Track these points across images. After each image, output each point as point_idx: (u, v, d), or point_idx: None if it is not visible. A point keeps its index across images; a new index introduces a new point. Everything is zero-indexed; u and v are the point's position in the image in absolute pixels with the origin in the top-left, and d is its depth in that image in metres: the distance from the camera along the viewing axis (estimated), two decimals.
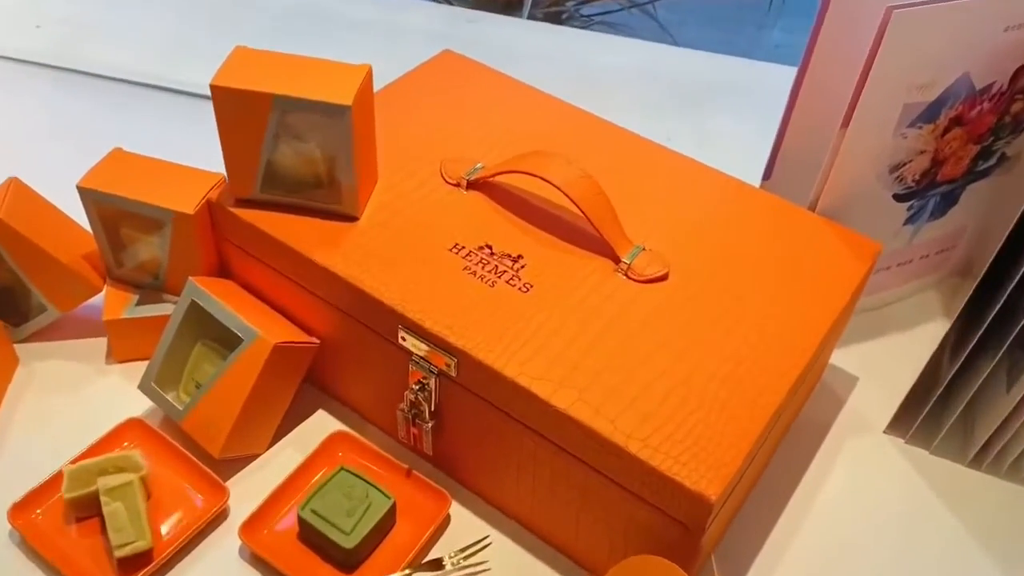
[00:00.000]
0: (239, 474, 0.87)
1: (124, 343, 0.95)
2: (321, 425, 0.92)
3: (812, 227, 0.89)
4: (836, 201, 0.92)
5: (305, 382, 0.95)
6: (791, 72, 0.93)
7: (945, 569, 0.85)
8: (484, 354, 0.74)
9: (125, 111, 1.33)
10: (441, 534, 0.85)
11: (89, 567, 0.78)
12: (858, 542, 0.86)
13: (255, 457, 0.89)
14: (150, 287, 0.96)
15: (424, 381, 0.80)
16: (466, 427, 0.81)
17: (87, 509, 0.81)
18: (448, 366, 0.77)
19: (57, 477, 0.82)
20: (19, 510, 0.81)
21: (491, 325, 0.77)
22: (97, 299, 0.95)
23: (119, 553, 0.77)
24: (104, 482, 0.78)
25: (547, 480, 0.78)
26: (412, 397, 0.81)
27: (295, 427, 0.92)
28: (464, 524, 0.85)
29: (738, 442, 0.70)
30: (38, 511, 0.81)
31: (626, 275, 0.82)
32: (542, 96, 1.03)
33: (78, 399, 0.93)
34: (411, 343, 0.78)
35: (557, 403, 0.71)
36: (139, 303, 0.94)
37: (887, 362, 1.03)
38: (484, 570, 0.82)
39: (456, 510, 0.86)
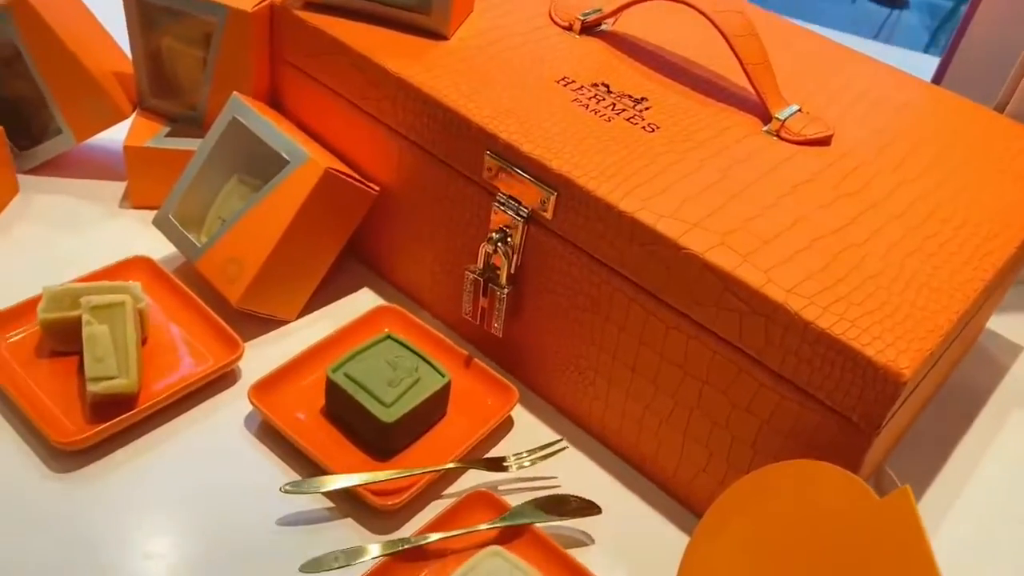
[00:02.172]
0: (259, 338, 0.70)
1: (144, 182, 0.79)
2: (365, 304, 0.74)
3: (1002, 129, 0.71)
4: None
5: (351, 257, 0.78)
6: None
7: None
8: (594, 184, 0.57)
9: None
10: (500, 439, 0.66)
11: (51, 408, 0.61)
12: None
13: (281, 325, 0.72)
14: (185, 121, 0.80)
15: (508, 229, 0.63)
16: (552, 294, 0.63)
17: (66, 341, 0.64)
18: (543, 204, 0.60)
19: (34, 300, 0.66)
20: None
21: (604, 156, 0.60)
22: (119, 137, 0.80)
23: (93, 388, 0.59)
24: (89, 300, 0.61)
25: (653, 368, 0.59)
26: (489, 250, 0.63)
27: (333, 302, 0.75)
28: (529, 431, 0.67)
29: (935, 317, 0.51)
30: (3, 340, 0.65)
31: (777, 135, 0.65)
32: None
33: (79, 238, 0.77)
34: (499, 175, 0.61)
35: (691, 246, 0.54)
36: (169, 135, 0.79)
37: None
38: (552, 485, 0.63)
39: (520, 415, 0.68)
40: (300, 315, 0.73)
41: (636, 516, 0.62)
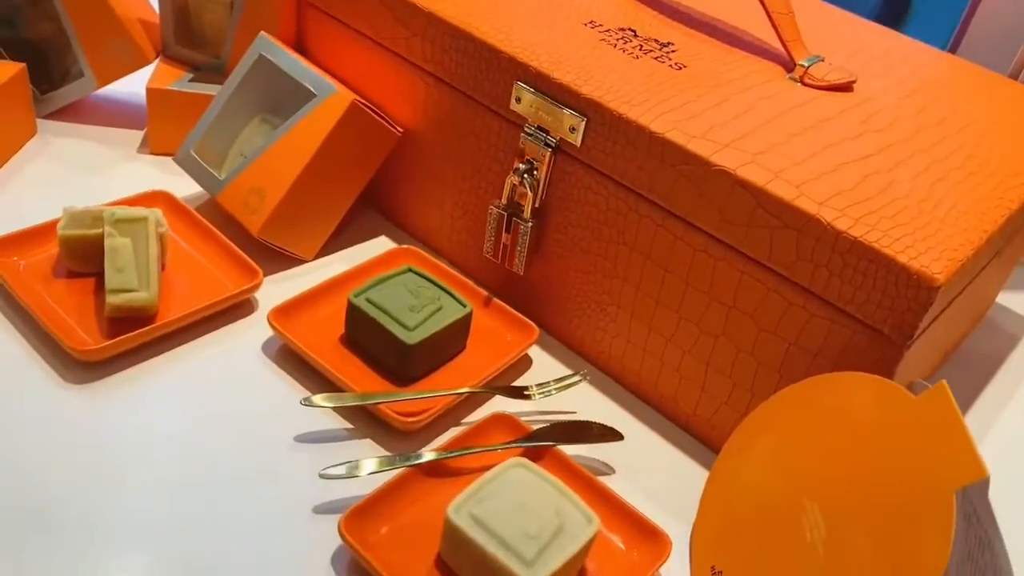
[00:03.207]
0: (277, 275, 0.69)
1: (164, 126, 0.79)
2: (381, 250, 0.74)
3: (1016, 93, 0.73)
4: None
5: (368, 207, 0.78)
6: None
7: None
8: (625, 107, 0.58)
9: None
10: (519, 376, 0.66)
11: (68, 321, 0.60)
12: None
13: (298, 264, 0.71)
14: (208, 69, 0.80)
15: (534, 162, 0.63)
16: (576, 227, 0.63)
17: (85, 261, 0.63)
18: (573, 131, 0.60)
19: (52, 223, 0.65)
20: (0, 248, 0.63)
21: (634, 86, 0.60)
22: (140, 87, 0.80)
23: (113, 300, 0.58)
24: (112, 213, 0.61)
25: (678, 296, 0.59)
26: (515, 182, 0.64)
27: (349, 246, 0.75)
28: (547, 370, 0.66)
29: (966, 233, 0.52)
30: (21, 260, 0.64)
31: (801, 81, 0.66)
32: None
33: (96, 178, 0.76)
34: (527, 104, 0.62)
35: (723, 163, 0.54)
36: (192, 81, 0.79)
37: None
38: (571, 416, 0.62)
39: (538, 355, 0.68)
40: (317, 256, 0.72)
41: (655, 449, 0.62)
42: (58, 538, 0.49)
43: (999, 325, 0.81)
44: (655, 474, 0.60)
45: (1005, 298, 0.84)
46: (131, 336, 0.58)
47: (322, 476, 0.52)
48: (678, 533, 0.55)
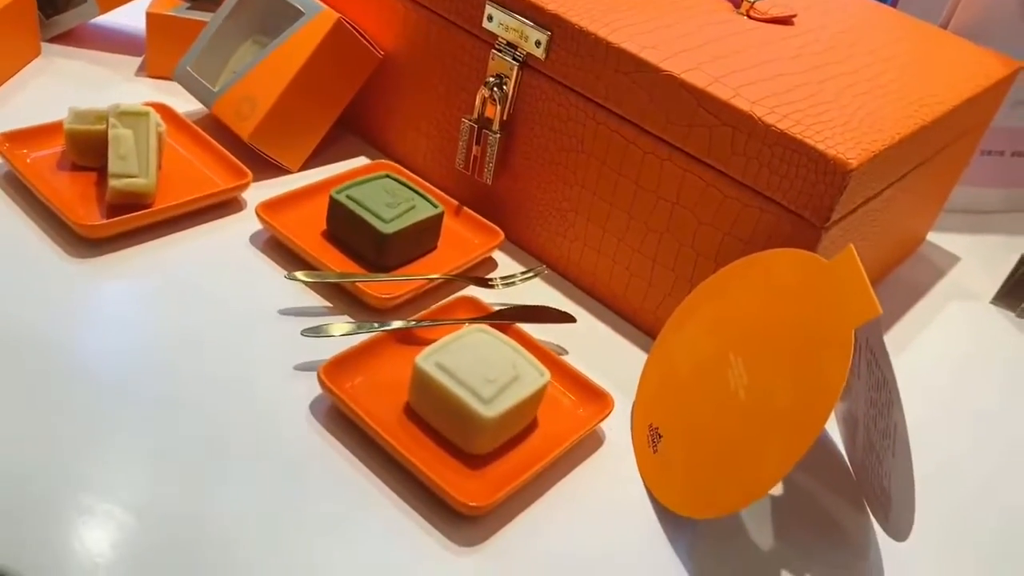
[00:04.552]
0: (264, 181, 0.75)
1: (162, 51, 0.84)
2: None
3: (945, 39, 0.80)
4: (969, 21, 0.83)
5: (348, 132, 0.84)
6: None
7: None
8: (586, 22, 0.64)
9: None
10: (488, 273, 0.72)
11: (72, 202, 0.66)
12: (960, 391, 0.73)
13: (283, 174, 0.77)
14: None
15: (503, 76, 0.69)
16: (540, 138, 0.69)
17: (89, 155, 0.69)
18: (538, 45, 0.66)
19: (56, 123, 0.71)
20: (8, 140, 0.68)
21: (595, 3, 0.67)
22: (140, 16, 0.86)
23: (115, 184, 0.64)
24: (116, 107, 0.66)
25: (628, 197, 0.66)
26: (485, 94, 0.70)
27: (331, 163, 0.80)
28: (511, 270, 0.73)
29: (880, 133, 0.59)
30: (29, 153, 0.69)
31: (747, 15, 0.73)
32: None
33: (97, 94, 0.82)
34: (497, 23, 0.68)
35: (670, 68, 0.61)
36: (190, 8, 0.85)
37: (992, 248, 0.92)
38: (533, 304, 0.69)
39: (503, 260, 0.74)
40: (301, 169, 0.78)
41: (605, 336, 0.68)
42: (59, 394, 0.54)
43: (928, 259, 0.89)
44: (603, 356, 0.66)
45: (936, 238, 0.92)
46: (130, 217, 0.64)
47: (303, 334, 0.58)
48: (622, 404, 0.61)
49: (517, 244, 0.75)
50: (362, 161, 0.82)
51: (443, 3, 0.72)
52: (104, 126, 0.67)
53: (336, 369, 0.56)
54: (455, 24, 0.72)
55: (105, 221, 0.63)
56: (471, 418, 0.53)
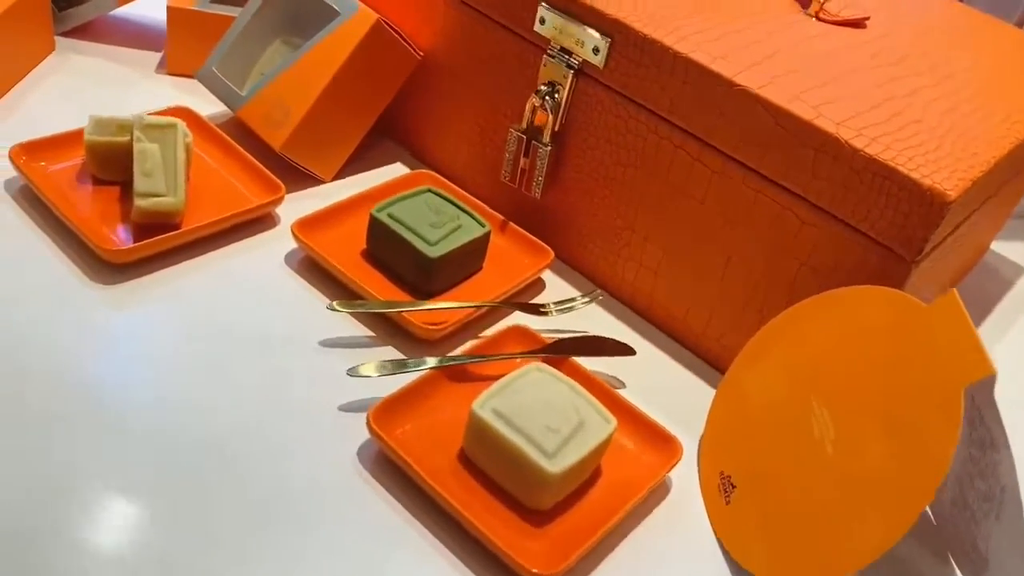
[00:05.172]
0: (296, 193, 0.70)
1: (183, 47, 0.79)
2: (397, 175, 0.76)
3: (1020, 41, 0.75)
4: None
5: (383, 136, 0.79)
6: None
7: None
8: (651, 28, 0.59)
9: None
10: (535, 297, 0.68)
11: (96, 223, 0.61)
12: None
13: (316, 185, 0.72)
14: None
15: (556, 84, 0.64)
16: (595, 151, 0.65)
17: (110, 168, 0.64)
18: (597, 52, 0.61)
19: (78, 132, 0.66)
20: (25, 151, 0.64)
21: (658, 7, 0.62)
22: (157, 8, 0.81)
23: (141, 204, 0.59)
24: (140, 118, 0.62)
25: (693, 218, 0.61)
26: (536, 103, 0.65)
27: (366, 170, 0.76)
28: (561, 292, 0.68)
29: (975, 158, 0.54)
30: (48, 166, 0.64)
31: (816, 16, 0.67)
32: None
33: (115, 94, 0.77)
34: (551, 26, 0.63)
35: (745, 82, 0.56)
36: (213, 1, 0.80)
37: None
38: (584, 334, 0.64)
39: (552, 280, 0.69)
40: (335, 179, 0.73)
41: (665, 367, 0.64)
42: (84, 433, 0.50)
43: (994, 269, 0.84)
44: (665, 390, 0.62)
45: (999, 247, 0.87)
46: (159, 239, 0.60)
47: (349, 374, 0.54)
48: (687, 443, 0.57)
49: (565, 261, 0.71)
50: (398, 168, 0.77)
51: (488, 2, 0.66)
52: (127, 138, 0.63)
53: (385, 414, 0.52)
54: (502, 25, 0.67)
55: (131, 246, 0.59)
56: (534, 473, 0.48)
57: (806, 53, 0.61)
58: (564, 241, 0.70)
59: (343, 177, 0.74)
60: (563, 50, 0.63)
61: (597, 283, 0.69)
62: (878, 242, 0.53)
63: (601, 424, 0.52)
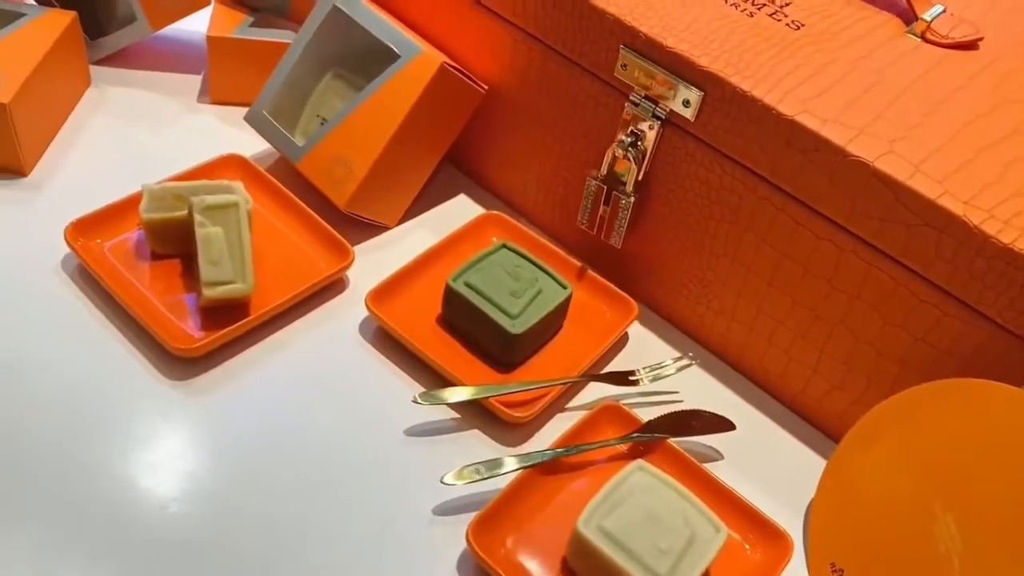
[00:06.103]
0: (361, 245, 0.67)
1: (225, 76, 0.74)
2: (463, 211, 0.71)
3: None
4: None
5: (446, 162, 0.74)
6: None
7: None
8: (748, 84, 0.54)
9: None
10: (617, 354, 0.64)
11: (164, 314, 0.58)
12: None
13: (381, 231, 0.69)
14: (268, 10, 0.75)
15: (639, 132, 0.59)
16: (682, 203, 0.60)
17: (169, 243, 0.61)
18: (687, 105, 0.56)
19: (132, 199, 0.62)
20: (79, 231, 0.60)
21: (755, 55, 0.56)
22: (198, 29, 0.75)
23: (210, 293, 0.56)
24: (201, 200, 0.58)
25: (794, 281, 0.57)
26: (618, 154, 0.60)
27: (431, 208, 0.72)
28: (644, 347, 0.65)
29: None
30: (104, 243, 0.61)
31: (923, 36, 0.61)
32: None
33: (160, 133, 0.73)
34: (633, 72, 0.58)
35: (860, 153, 0.51)
36: (253, 25, 0.74)
37: None
38: (675, 400, 0.61)
39: (635, 330, 0.66)
40: (400, 221, 0.70)
41: (764, 433, 0.61)
42: (165, 540, 0.49)
43: None
44: (765, 460, 0.59)
45: None
46: (231, 329, 0.57)
47: (444, 483, 0.52)
48: (788, 519, 0.54)
49: (650, 308, 0.67)
50: (464, 202, 0.73)
51: (564, 40, 0.61)
52: (184, 211, 0.59)
53: (484, 530, 0.50)
54: (579, 65, 0.61)
55: (203, 342, 0.56)
56: None
57: (920, 98, 0.55)
58: (646, 288, 0.66)
59: (408, 218, 0.70)
60: (647, 98, 0.58)
61: (682, 330, 0.66)
62: (1007, 329, 0.49)
63: (712, 534, 0.49)
